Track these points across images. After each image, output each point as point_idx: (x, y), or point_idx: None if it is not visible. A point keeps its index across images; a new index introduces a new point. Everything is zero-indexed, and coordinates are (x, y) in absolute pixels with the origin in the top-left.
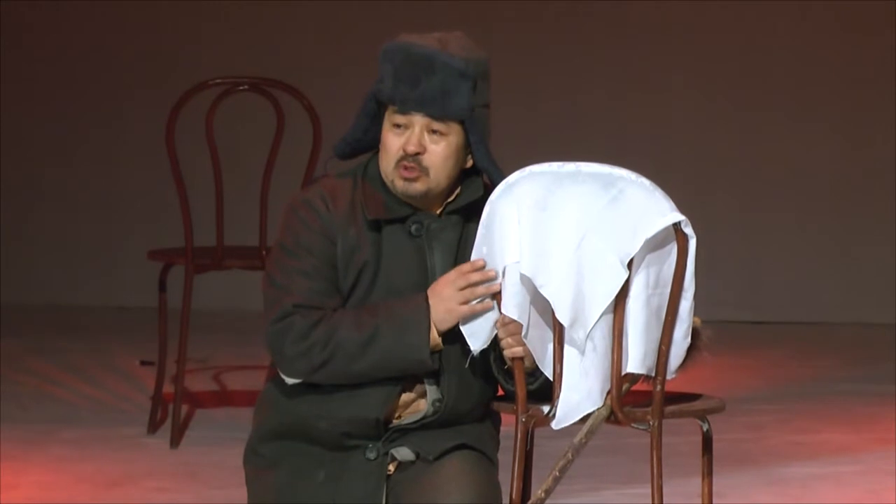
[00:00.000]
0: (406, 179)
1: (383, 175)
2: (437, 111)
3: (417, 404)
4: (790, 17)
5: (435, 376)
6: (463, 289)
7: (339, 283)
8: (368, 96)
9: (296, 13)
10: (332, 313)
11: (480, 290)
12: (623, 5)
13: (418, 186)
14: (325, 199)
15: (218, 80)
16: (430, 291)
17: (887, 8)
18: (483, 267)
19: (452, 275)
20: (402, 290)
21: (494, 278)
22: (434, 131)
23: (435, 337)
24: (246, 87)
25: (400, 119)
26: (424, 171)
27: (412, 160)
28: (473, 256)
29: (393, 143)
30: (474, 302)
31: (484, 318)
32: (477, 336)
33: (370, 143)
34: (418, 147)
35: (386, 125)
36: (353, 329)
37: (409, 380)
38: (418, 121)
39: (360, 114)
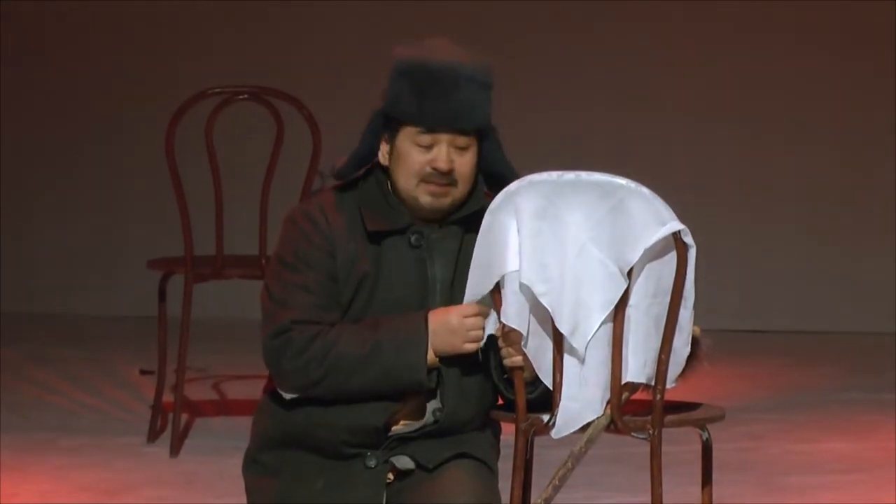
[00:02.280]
0: (435, 195)
1: (403, 192)
2: (467, 125)
3: (417, 413)
4: (792, 28)
5: (435, 386)
6: (473, 330)
7: (340, 296)
8: (375, 115)
9: (296, 23)
10: (330, 329)
11: (480, 333)
12: (623, 25)
13: (447, 200)
14: (324, 211)
15: (217, 90)
16: (433, 315)
17: (886, 23)
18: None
19: (468, 310)
20: (402, 301)
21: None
22: (458, 145)
23: (432, 357)
24: (245, 96)
25: (425, 139)
26: (454, 184)
27: (443, 177)
28: (473, 265)
29: (417, 159)
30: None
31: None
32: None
33: (370, 158)
34: (450, 164)
35: (405, 143)
36: (351, 346)
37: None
38: (444, 137)
39: (366, 132)
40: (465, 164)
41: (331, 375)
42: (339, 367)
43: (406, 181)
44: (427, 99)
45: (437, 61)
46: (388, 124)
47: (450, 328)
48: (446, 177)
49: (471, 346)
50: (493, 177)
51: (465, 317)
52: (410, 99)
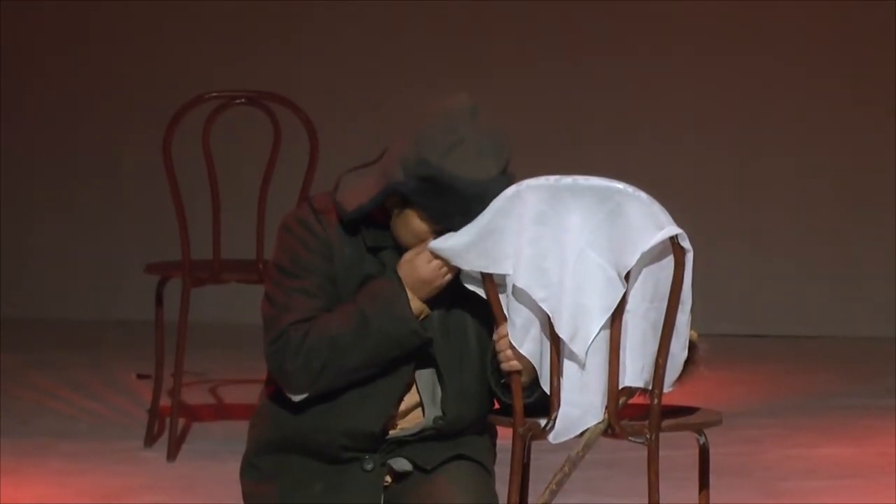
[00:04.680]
0: None
1: (401, 244)
2: None
3: (414, 415)
4: (791, 31)
5: (435, 394)
6: (441, 265)
7: (341, 297)
8: (391, 189)
9: (294, 27)
10: (317, 320)
11: (452, 265)
12: (623, 28)
13: None
14: (318, 215)
15: (215, 94)
16: (400, 269)
17: (884, 27)
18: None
19: (425, 253)
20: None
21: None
22: None
23: (418, 304)
24: (243, 100)
25: (437, 227)
26: None
27: None
28: (460, 234)
29: (423, 232)
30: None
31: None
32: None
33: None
34: None
35: (414, 217)
36: (340, 324)
37: (406, 391)
38: None
39: (377, 197)
40: None
41: (331, 360)
42: (335, 349)
43: (406, 241)
44: (451, 213)
45: (467, 183)
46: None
47: (422, 279)
48: None
49: (448, 278)
50: None
51: (431, 260)
52: (433, 203)
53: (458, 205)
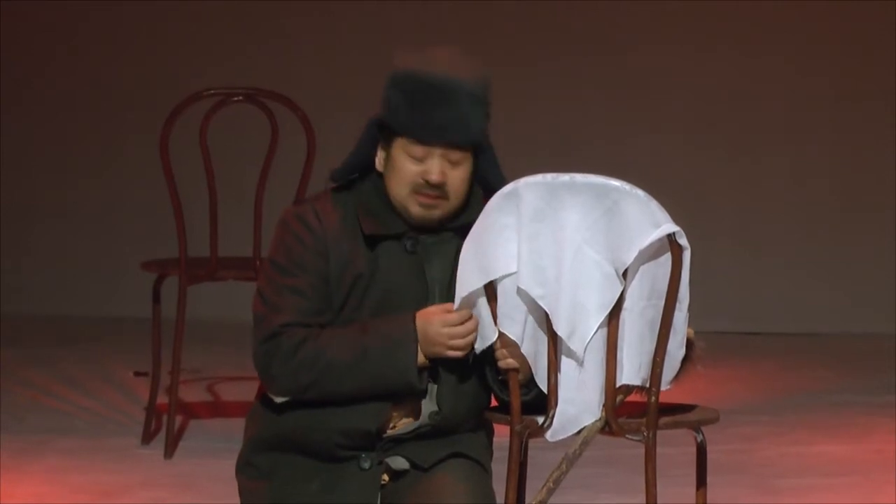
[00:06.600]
0: (424, 206)
1: (395, 200)
2: (459, 139)
3: (412, 414)
4: (787, 30)
5: (426, 388)
6: (452, 337)
7: (333, 298)
8: (371, 123)
9: (290, 26)
10: (319, 332)
11: (467, 341)
12: (620, 29)
13: (437, 213)
14: (317, 213)
15: (212, 91)
16: (419, 315)
17: (881, 25)
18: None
19: (452, 318)
20: (400, 303)
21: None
22: (451, 160)
23: (422, 358)
24: (240, 97)
25: (418, 151)
26: (445, 197)
27: (434, 189)
28: (462, 262)
29: (409, 170)
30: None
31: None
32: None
33: (366, 165)
34: (442, 177)
35: (399, 153)
36: (340, 351)
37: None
38: (437, 151)
39: (361, 140)
40: (457, 178)
41: (321, 381)
42: (328, 373)
43: (398, 190)
44: (420, 112)
45: (433, 74)
46: (384, 132)
47: (428, 339)
48: (437, 189)
49: (454, 354)
50: (488, 192)
51: (447, 325)
52: (405, 110)
53: (433, 103)
